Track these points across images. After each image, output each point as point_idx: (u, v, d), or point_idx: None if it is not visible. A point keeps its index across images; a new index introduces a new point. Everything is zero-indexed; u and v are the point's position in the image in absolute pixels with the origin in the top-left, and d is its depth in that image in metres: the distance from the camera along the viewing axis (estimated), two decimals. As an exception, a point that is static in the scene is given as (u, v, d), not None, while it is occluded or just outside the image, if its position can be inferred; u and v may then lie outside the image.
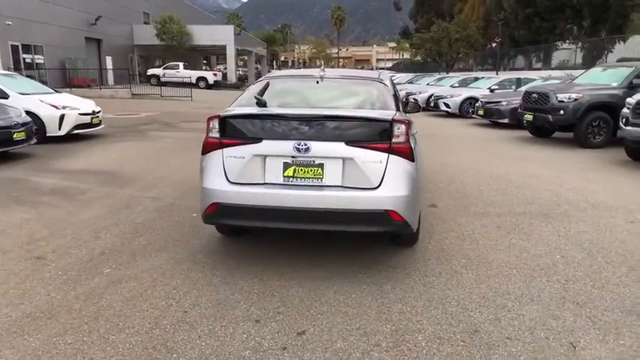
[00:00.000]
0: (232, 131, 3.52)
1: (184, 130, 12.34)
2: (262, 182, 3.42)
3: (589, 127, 9.64)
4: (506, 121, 13.04)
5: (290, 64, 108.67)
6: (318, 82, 4.13)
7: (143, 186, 6.23)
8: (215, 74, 37.22)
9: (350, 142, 3.36)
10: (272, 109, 3.63)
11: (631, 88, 9.50)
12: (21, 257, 3.83)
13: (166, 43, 35.61)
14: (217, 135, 3.53)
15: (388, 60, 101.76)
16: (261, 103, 3.67)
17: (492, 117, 13.56)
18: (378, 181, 3.33)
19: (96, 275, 3.52)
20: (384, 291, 3.31)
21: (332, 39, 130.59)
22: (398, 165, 3.37)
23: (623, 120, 8.00)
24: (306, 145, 3.33)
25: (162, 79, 33.35)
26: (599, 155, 8.91)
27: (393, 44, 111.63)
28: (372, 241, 4.19)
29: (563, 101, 9.70)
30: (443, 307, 3.10)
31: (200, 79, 35.11)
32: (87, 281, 3.42)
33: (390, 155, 3.36)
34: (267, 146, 3.41)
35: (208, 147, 3.57)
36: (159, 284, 3.37)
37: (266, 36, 61.40)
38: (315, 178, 3.38)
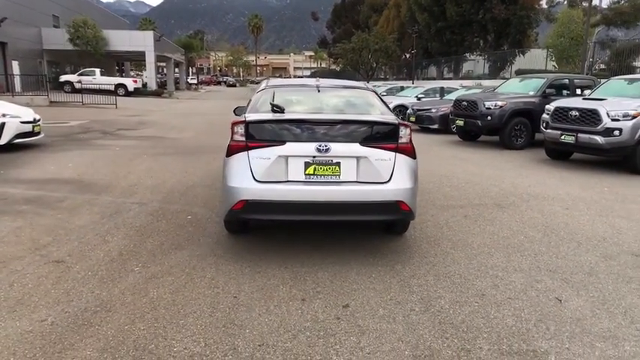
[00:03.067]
0: (258, 134, 3.88)
1: (127, 138, 12.08)
2: (285, 180, 3.81)
3: (512, 130, 11.00)
4: (436, 126, 14.29)
5: (206, 71, 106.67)
6: (319, 91, 4.61)
7: (121, 193, 6.24)
8: (135, 81, 35.81)
9: (363, 143, 3.87)
10: (293, 114, 4.04)
11: (544, 97, 11.03)
12: (39, 262, 3.86)
13: (80, 48, 33.73)
14: (243, 138, 3.87)
15: (306, 68, 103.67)
16: (279, 110, 4.05)
17: (423, 123, 14.76)
18: (389, 176, 3.87)
19: (128, 273, 3.69)
20: (397, 270, 3.85)
21: (247, 46, 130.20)
22: (404, 162, 3.94)
23: (544, 124, 9.31)
24: (326, 146, 3.79)
25: (77, 86, 31.49)
26: (523, 155, 10.22)
27: (310, 53, 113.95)
28: (367, 231, 4.71)
29: (490, 108, 10.96)
30: (450, 279, 3.71)
31: (119, 85, 33.60)
32: (123, 279, 3.58)
33: (397, 154, 3.92)
34: (290, 148, 3.81)
35: (234, 149, 3.89)
36: (195, 277, 3.63)
37: (183, 42, 59.96)
38: (333, 175, 3.84)
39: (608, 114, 8.18)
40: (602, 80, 10.52)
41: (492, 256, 4.23)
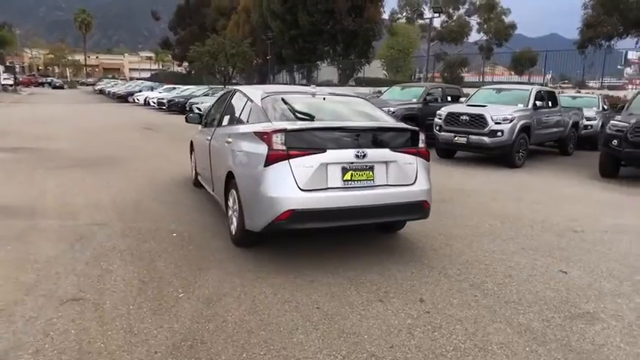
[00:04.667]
0: (298, 143, 3.84)
1: (-9, 151, 10.14)
2: (326, 187, 3.87)
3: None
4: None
5: (19, 70, 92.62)
6: (324, 99, 4.70)
7: (62, 215, 5.39)
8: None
9: (393, 148, 4.13)
10: (331, 122, 4.09)
11: (426, 103, 12.49)
12: (51, 304, 3.25)
13: None
14: (284, 147, 3.79)
15: (144, 70, 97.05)
16: (308, 118, 4.06)
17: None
18: (414, 178, 4.20)
19: (177, 300, 3.35)
20: (423, 264, 4.20)
21: (68, 43, 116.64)
22: (423, 164, 4.31)
23: (437, 127, 10.58)
24: (363, 152, 3.96)
25: None
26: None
27: (147, 54, 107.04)
28: (367, 233, 4.96)
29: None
30: (474, 265, 4.18)
31: None
32: (179, 307, 3.25)
33: (418, 157, 4.27)
34: (330, 155, 3.88)
35: (273, 159, 3.80)
36: (256, 295, 3.47)
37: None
38: (368, 179, 4.02)
39: (492, 118, 9.71)
40: (473, 89, 12.35)
41: (483, 243, 4.85)
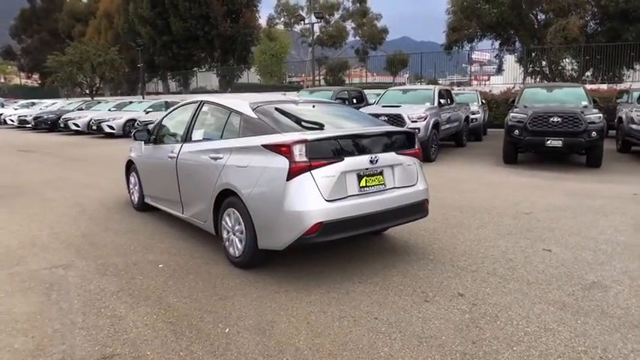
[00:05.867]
0: (318, 153, 3.73)
1: None
2: (346, 195, 3.83)
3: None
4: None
5: None
6: (314, 107, 4.62)
7: (4, 262, 4.51)
8: None
9: (397, 151, 4.22)
10: (348, 130, 4.03)
11: (336, 105, 12.83)
12: (85, 364, 2.74)
13: None
14: (306, 158, 3.66)
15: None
16: (315, 127, 3.96)
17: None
18: (416, 179, 4.35)
19: (227, 335, 3.04)
20: (432, 260, 4.38)
21: None
22: (420, 165, 4.48)
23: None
24: (376, 157, 4.00)
25: None
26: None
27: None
28: (355, 239, 5.00)
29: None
30: (469, 255, 4.47)
31: None
32: (234, 339, 2.97)
33: (416, 158, 4.43)
34: (348, 162, 3.84)
35: (296, 171, 3.64)
36: (310, 313, 3.31)
37: None
38: (379, 184, 4.08)
39: (409, 117, 10.38)
40: (379, 90, 13.03)
41: (462, 233, 5.19)
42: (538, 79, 23.58)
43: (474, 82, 28.12)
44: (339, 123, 4.49)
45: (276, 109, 4.35)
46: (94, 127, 19.00)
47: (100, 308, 3.48)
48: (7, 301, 3.63)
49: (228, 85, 36.72)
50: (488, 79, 32.28)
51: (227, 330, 3.13)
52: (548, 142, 9.20)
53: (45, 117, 21.63)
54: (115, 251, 4.77)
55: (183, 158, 4.93)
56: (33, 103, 27.14)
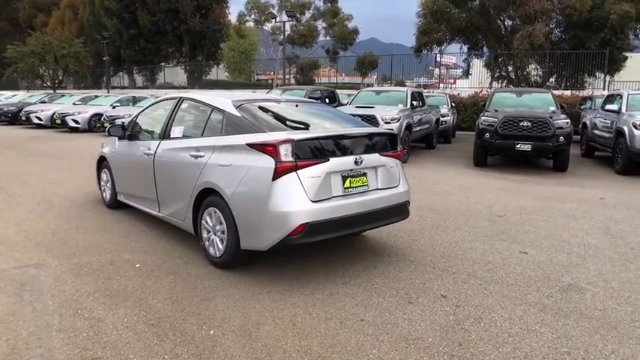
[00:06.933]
0: (304, 153, 3.70)
1: None
2: (330, 196, 3.82)
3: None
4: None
5: None
6: (297, 106, 4.58)
7: None
8: None
9: (381, 152, 4.24)
10: (334, 131, 4.00)
11: (310, 105, 12.81)
12: (63, 369, 2.63)
13: None
14: (292, 158, 3.62)
15: None
16: (300, 126, 3.92)
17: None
18: (398, 180, 4.38)
19: (212, 337, 2.98)
20: (412, 262, 4.41)
21: None
22: (401, 166, 4.51)
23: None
24: (361, 158, 4.00)
25: None
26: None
27: None
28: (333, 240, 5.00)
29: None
30: (449, 257, 4.54)
31: None
32: (220, 342, 2.91)
33: (397, 160, 4.45)
34: (333, 163, 3.83)
35: (282, 171, 3.59)
36: (286, 318, 3.27)
37: None
38: (363, 185, 4.08)
39: (382, 118, 10.45)
40: (349, 91, 13.07)
41: (439, 234, 5.26)
42: (504, 84, 24.21)
43: (441, 85, 28.66)
44: (323, 123, 4.47)
45: (260, 107, 4.29)
46: (58, 121, 18.35)
47: (76, 310, 3.34)
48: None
49: (197, 81, 36.09)
50: (454, 83, 32.99)
51: (212, 332, 3.06)
52: (518, 145, 9.46)
53: (5, 109, 20.70)
54: (88, 250, 4.59)
55: (161, 155, 4.80)
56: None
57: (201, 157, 4.21)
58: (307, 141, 3.78)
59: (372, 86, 27.16)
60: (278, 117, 4.13)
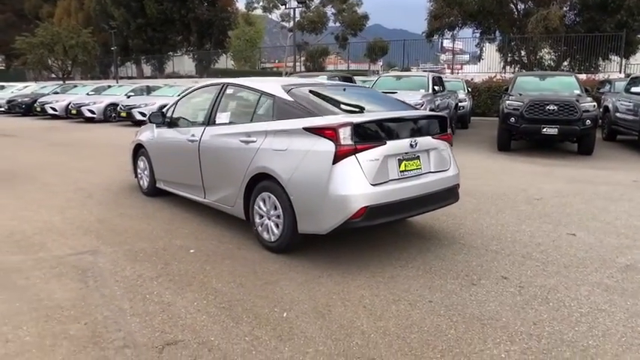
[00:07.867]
0: (364, 136, 3.69)
1: None
2: (388, 180, 3.81)
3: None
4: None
5: None
6: (345, 90, 4.56)
7: (23, 248, 4.32)
8: None
9: (433, 135, 4.22)
10: (391, 113, 3.98)
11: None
12: (151, 352, 2.66)
13: None
14: (351, 142, 3.61)
15: None
16: (358, 109, 3.91)
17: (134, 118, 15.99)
18: (449, 163, 4.37)
19: (287, 319, 3.00)
20: (463, 245, 4.42)
21: None
22: (450, 149, 4.49)
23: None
24: (415, 141, 3.98)
25: None
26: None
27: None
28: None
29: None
30: (499, 240, 4.54)
31: None
32: (296, 324, 2.93)
33: (448, 143, 4.44)
34: (390, 146, 3.82)
35: (342, 155, 3.59)
36: (355, 300, 3.29)
37: None
38: (417, 168, 4.07)
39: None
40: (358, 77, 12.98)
41: (483, 218, 5.26)
42: (517, 69, 23.98)
43: (447, 71, 28.40)
44: (374, 106, 4.45)
45: (311, 91, 4.28)
46: (74, 112, 18.29)
47: (144, 294, 3.37)
48: (45, 287, 3.48)
49: (205, 70, 35.97)
50: (461, 68, 32.72)
51: (285, 314, 3.09)
52: (544, 129, 9.40)
53: (19, 100, 20.72)
54: (139, 237, 4.63)
55: (207, 142, 4.80)
56: (2, 87, 25.91)
57: (252, 142, 4.21)
58: (366, 124, 3.77)
59: (378, 73, 26.96)
60: (330, 100, 4.12)
